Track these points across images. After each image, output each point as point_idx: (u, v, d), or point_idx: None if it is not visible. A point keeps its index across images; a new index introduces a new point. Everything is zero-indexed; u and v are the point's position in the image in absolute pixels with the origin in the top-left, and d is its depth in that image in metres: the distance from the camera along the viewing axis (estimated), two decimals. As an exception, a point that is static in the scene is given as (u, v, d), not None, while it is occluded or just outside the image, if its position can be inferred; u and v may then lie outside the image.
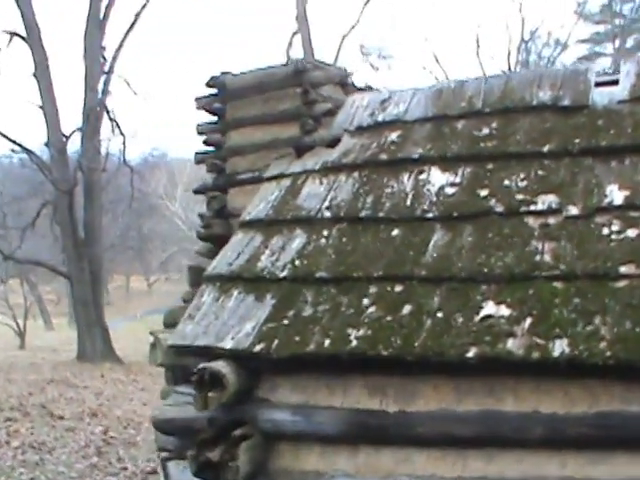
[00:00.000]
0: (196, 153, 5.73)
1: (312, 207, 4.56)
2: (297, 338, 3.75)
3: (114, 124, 22.02)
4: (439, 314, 3.62)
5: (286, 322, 3.87)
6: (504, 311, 3.53)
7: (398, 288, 3.83)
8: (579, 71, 4.93)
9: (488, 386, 3.55)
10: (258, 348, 3.78)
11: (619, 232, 3.73)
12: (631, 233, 3.70)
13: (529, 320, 3.45)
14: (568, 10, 47.73)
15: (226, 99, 5.46)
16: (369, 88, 5.85)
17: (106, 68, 22.06)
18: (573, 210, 3.93)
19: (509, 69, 29.03)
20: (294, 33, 25.98)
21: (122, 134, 22.23)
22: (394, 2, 45.18)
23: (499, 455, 3.53)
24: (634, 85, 4.59)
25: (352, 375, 3.76)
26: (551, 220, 3.94)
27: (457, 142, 4.63)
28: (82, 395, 14.00)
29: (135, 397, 14.23)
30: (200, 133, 5.60)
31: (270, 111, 5.29)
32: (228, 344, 3.88)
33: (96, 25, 21.35)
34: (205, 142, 5.59)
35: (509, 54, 30.61)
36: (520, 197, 4.11)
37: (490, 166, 4.39)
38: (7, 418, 11.19)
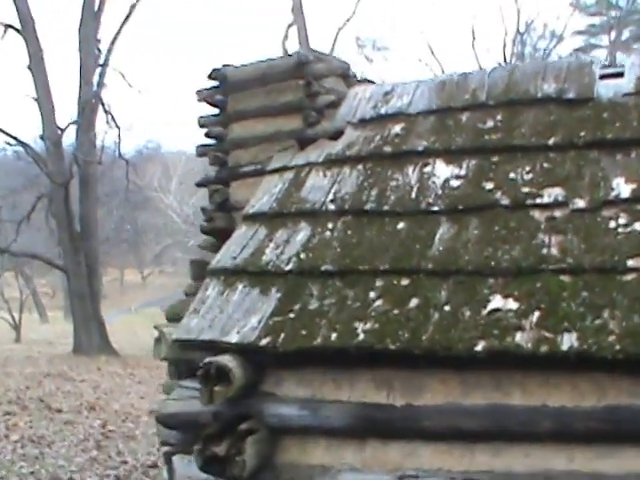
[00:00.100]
0: (198, 146, 5.69)
1: (316, 200, 4.54)
2: (303, 332, 3.73)
3: (109, 117, 21.98)
4: (446, 307, 3.60)
5: (292, 316, 3.85)
6: (512, 304, 3.52)
7: (405, 281, 3.81)
8: (584, 63, 4.89)
9: (496, 380, 3.53)
10: (264, 342, 3.76)
11: (626, 225, 3.72)
12: (638, 226, 3.68)
13: (537, 314, 3.44)
14: (564, 1, 47.61)
15: (228, 91, 5.41)
16: (367, 81, 5.80)
17: (101, 61, 21.97)
18: (580, 203, 3.91)
19: (505, 61, 28.99)
20: (289, 25, 25.94)
21: (117, 127, 22.19)
22: (389, -6, 45.09)
23: (506, 449, 3.52)
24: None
25: (359, 369, 3.74)
26: (557, 213, 3.92)
27: (461, 135, 4.60)
28: (79, 388, 13.97)
29: (132, 390, 14.21)
30: (202, 126, 5.54)
31: (272, 103, 5.24)
32: (234, 338, 3.86)
33: (91, 17, 21.27)
34: (207, 135, 5.54)
35: (504, 46, 30.60)
36: (526, 190, 4.09)
37: (495, 159, 4.37)
38: (6, 412, 11.14)
